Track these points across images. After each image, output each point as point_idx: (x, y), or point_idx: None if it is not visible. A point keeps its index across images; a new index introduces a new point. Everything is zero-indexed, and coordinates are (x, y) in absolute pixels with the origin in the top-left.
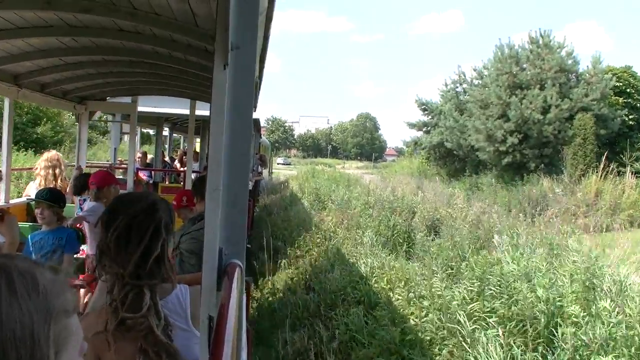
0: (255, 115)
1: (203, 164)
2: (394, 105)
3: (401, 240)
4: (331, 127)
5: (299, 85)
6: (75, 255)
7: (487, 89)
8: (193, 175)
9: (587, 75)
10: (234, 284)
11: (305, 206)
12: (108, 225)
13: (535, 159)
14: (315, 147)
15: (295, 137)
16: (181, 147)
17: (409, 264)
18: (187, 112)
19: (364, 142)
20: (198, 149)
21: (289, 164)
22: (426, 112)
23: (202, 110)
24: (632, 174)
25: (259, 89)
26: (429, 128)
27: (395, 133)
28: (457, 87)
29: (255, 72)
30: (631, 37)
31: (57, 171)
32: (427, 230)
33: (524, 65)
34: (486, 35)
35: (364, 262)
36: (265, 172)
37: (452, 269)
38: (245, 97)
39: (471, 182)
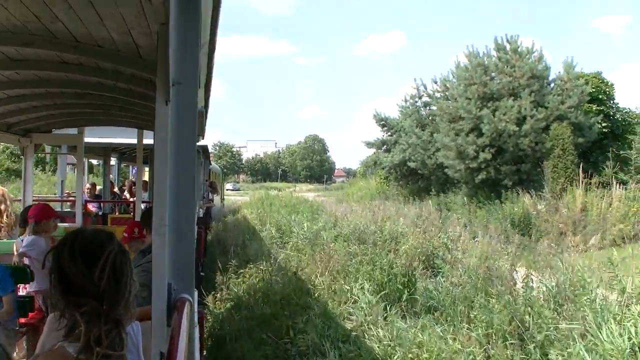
0: (202, 142)
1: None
2: (340, 127)
3: (400, 286)
4: (279, 150)
5: (246, 110)
6: (27, 291)
7: (455, 101)
8: (143, 205)
9: (560, 81)
10: (183, 319)
11: (265, 236)
12: (91, 263)
13: (511, 175)
14: (264, 171)
15: (244, 161)
16: (130, 177)
17: (433, 328)
18: (135, 141)
19: (313, 164)
20: (147, 178)
21: (239, 190)
22: (385, 128)
23: (151, 139)
24: (618, 184)
25: (206, 117)
26: (388, 146)
27: (344, 154)
28: (416, 102)
29: (197, 105)
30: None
31: (2, 207)
32: (424, 267)
33: (493, 74)
34: (429, 53)
35: (374, 337)
36: (217, 198)
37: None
38: (188, 132)
39: (439, 201)
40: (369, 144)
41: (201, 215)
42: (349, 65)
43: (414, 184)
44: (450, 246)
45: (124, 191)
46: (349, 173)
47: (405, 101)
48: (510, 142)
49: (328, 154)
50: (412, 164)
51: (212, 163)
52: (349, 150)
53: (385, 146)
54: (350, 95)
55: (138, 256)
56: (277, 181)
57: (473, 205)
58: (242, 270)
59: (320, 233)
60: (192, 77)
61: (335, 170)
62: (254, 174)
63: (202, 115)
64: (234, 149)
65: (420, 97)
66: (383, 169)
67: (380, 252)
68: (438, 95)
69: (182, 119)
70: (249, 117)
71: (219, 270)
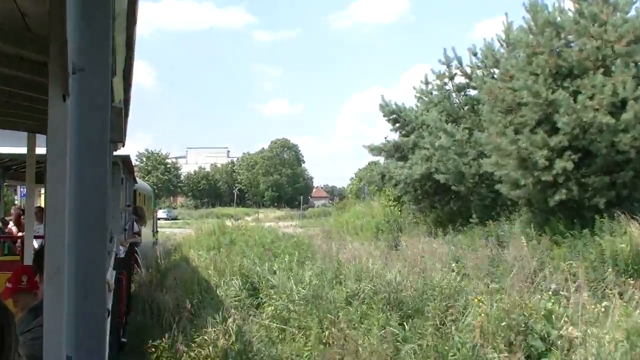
0: (123, 151)
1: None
2: (318, 129)
3: None
4: (233, 161)
5: (185, 106)
6: None
7: (510, 80)
8: (36, 243)
9: None
10: None
11: (225, 294)
12: None
13: (604, 191)
14: (213, 191)
15: (182, 177)
16: (18, 203)
17: None
18: (24, 150)
19: (283, 181)
20: (43, 204)
21: (176, 218)
22: (398, 125)
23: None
24: None
25: (126, 116)
26: (403, 152)
27: (325, 166)
28: (445, 84)
29: (110, 100)
30: None
31: None
32: (510, 350)
33: (570, 37)
34: (446, 20)
35: None
36: (147, 231)
37: None
38: (99, 138)
39: (486, 232)
40: (375, 150)
41: (121, 256)
42: (329, 41)
43: (443, 208)
44: (556, 314)
45: (8, 223)
46: (333, 193)
47: (426, 83)
48: (601, 140)
49: (303, 165)
50: (440, 177)
51: (139, 180)
52: (332, 161)
53: (398, 152)
54: (333, 84)
55: (28, 316)
56: (231, 205)
57: (546, 239)
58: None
59: (325, 290)
60: (103, 60)
61: (314, 189)
62: (198, 196)
63: (121, 113)
64: (169, 160)
65: (451, 77)
66: (395, 185)
67: (435, 327)
68: (479, 72)
69: (87, 119)
70: (189, 116)
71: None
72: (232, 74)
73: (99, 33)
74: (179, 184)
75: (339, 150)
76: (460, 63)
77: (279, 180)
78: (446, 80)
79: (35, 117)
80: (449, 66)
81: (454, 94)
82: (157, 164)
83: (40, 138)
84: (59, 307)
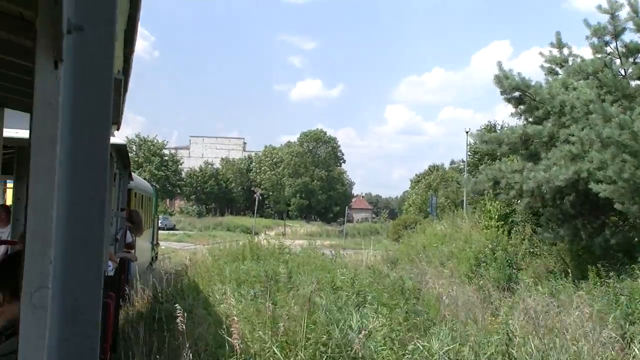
0: (116, 139)
1: (19, 230)
2: (361, 119)
3: None
4: (250, 156)
5: (188, 83)
6: None
7: None
8: None
9: None
10: None
11: None
12: None
13: None
14: (223, 194)
15: (183, 175)
16: None
17: None
18: None
19: (315, 186)
20: (9, 201)
21: (173, 228)
22: (523, 107)
23: (21, 130)
24: None
25: (125, 91)
26: (535, 147)
27: (367, 169)
28: (606, 42)
29: (113, 69)
30: None
31: None
32: None
33: None
34: None
35: None
36: (145, 244)
37: None
38: (98, 118)
39: None
40: (490, 141)
41: (110, 274)
42: (380, 6)
43: (592, 236)
44: None
45: None
46: (377, 205)
47: (559, 47)
48: None
49: (342, 165)
50: (598, 188)
51: (136, 177)
52: (377, 163)
53: (524, 147)
54: (382, 62)
55: None
56: (246, 213)
57: None
58: None
59: None
60: (107, 16)
61: (354, 199)
62: (203, 199)
63: (120, 86)
64: (166, 150)
65: (616, 35)
66: (518, 198)
67: None
68: None
69: (85, 94)
70: (193, 96)
71: None
72: (252, 44)
73: None
74: (179, 183)
75: (387, 148)
76: (637, 12)
77: (310, 184)
78: (607, 38)
79: (4, 87)
80: (613, 17)
81: (619, 60)
82: (152, 154)
83: (9, 117)
84: (39, 332)
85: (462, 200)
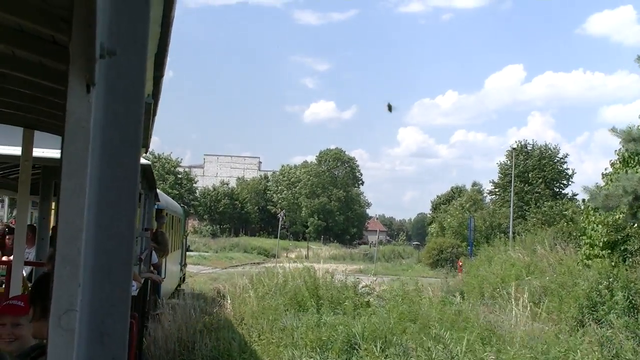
0: (142, 160)
1: (48, 252)
2: (374, 142)
3: None
4: (266, 175)
5: (202, 102)
6: None
7: None
8: (25, 271)
9: None
10: None
11: None
12: None
13: None
14: (238, 214)
15: (198, 193)
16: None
17: None
18: (15, 151)
19: (332, 207)
20: (37, 221)
21: (187, 249)
22: None
23: (47, 150)
24: None
25: (154, 115)
26: None
27: (379, 190)
28: None
29: (145, 93)
30: None
31: None
32: None
33: None
34: None
35: None
36: (174, 265)
37: None
38: (129, 138)
39: None
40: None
41: (134, 293)
42: (392, 29)
43: None
44: None
45: None
46: (391, 227)
47: None
48: None
49: (361, 187)
50: None
51: (164, 196)
52: (389, 185)
53: None
54: (394, 84)
55: None
56: (260, 234)
57: None
58: None
59: None
60: (139, 40)
61: (369, 220)
62: (217, 219)
63: (149, 110)
64: (180, 169)
65: None
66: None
67: None
68: None
69: (117, 117)
70: (207, 116)
71: None
72: (266, 65)
73: (136, 5)
74: (193, 203)
75: (399, 170)
76: None
77: (328, 204)
78: None
79: (35, 109)
80: None
81: None
82: (166, 172)
83: (39, 138)
84: (67, 354)
85: (499, 223)
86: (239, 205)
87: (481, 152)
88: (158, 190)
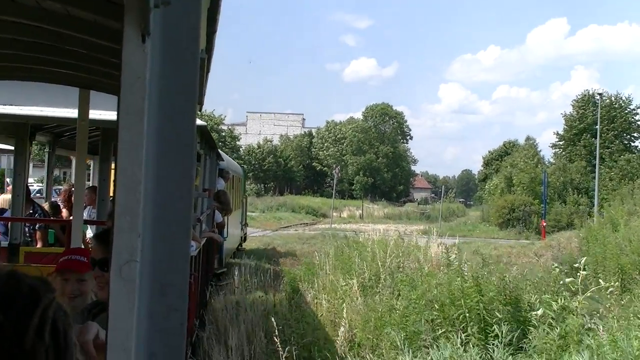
0: (197, 120)
1: (104, 210)
2: (415, 98)
3: None
4: (310, 132)
5: (240, 60)
6: None
7: None
8: (89, 233)
9: None
10: None
11: None
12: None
13: None
14: (283, 172)
15: (241, 151)
16: (68, 179)
17: None
18: (73, 114)
19: (380, 164)
20: (97, 181)
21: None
22: None
23: (104, 111)
24: None
25: (208, 70)
26: None
27: (422, 148)
28: None
29: (200, 45)
30: None
31: None
32: None
33: None
34: None
35: None
36: (235, 225)
37: None
38: (185, 90)
39: None
40: None
41: (193, 254)
42: None
43: None
44: None
45: (56, 204)
46: (435, 184)
47: None
48: None
49: (408, 144)
50: None
51: (227, 157)
52: (431, 142)
53: None
54: (436, 40)
55: (79, 319)
56: (305, 192)
57: None
58: None
59: None
60: None
61: (415, 178)
62: (261, 178)
63: (203, 66)
64: (223, 127)
65: None
66: None
67: None
68: None
69: (172, 68)
70: (246, 74)
71: None
72: (305, 22)
73: None
74: (237, 161)
75: (441, 127)
76: None
77: (374, 161)
78: None
79: (92, 69)
80: None
81: None
82: (210, 130)
83: (96, 99)
84: (128, 305)
85: (572, 179)
86: (283, 163)
87: (524, 108)
88: (220, 151)
